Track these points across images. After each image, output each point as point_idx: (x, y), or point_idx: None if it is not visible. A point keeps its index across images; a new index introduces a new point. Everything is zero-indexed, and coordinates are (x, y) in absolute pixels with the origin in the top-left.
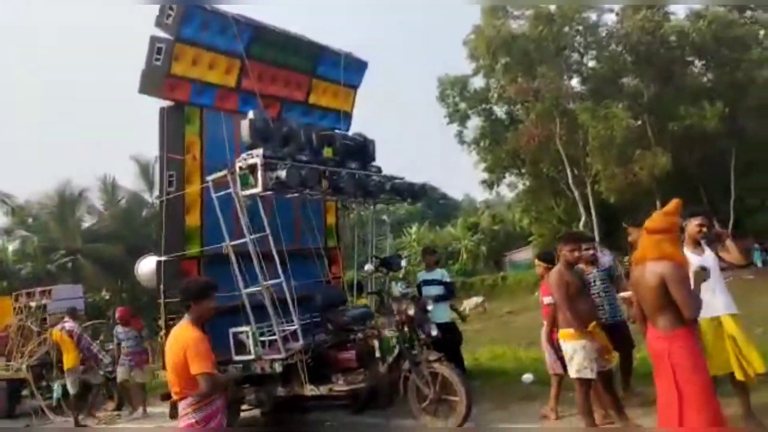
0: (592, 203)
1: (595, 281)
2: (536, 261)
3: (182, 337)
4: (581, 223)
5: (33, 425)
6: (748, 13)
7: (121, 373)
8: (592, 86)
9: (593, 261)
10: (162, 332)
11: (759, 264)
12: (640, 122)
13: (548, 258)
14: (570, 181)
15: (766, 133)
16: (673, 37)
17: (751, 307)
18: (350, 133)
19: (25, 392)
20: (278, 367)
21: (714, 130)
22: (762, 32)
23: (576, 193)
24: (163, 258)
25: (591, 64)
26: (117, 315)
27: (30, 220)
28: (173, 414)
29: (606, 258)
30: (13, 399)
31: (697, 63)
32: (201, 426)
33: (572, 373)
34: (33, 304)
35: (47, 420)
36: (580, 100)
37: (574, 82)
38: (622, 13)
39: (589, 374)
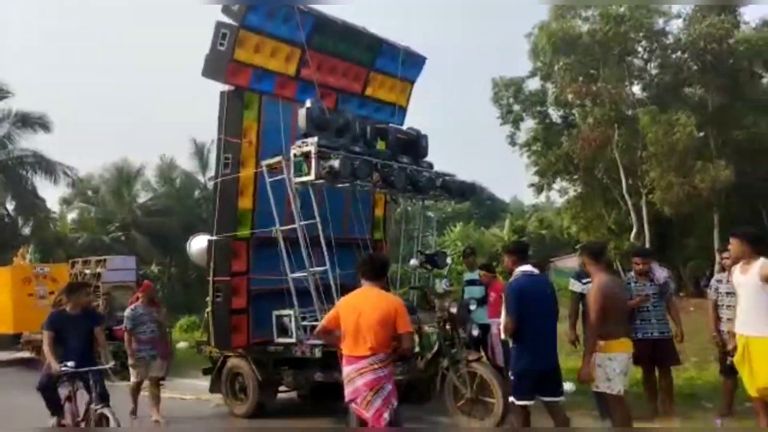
0: (645, 214)
1: (644, 293)
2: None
3: (391, 300)
4: (632, 234)
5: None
6: None
7: (139, 369)
8: (654, 93)
9: (646, 274)
10: (209, 309)
11: None
12: (702, 133)
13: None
14: (624, 189)
15: None
16: (741, 47)
17: None
18: (404, 127)
19: None
20: (318, 352)
21: None
22: None
23: (629, 203)
24: (214, 237)
25: (654, 71)
26: (140, 290)
27: (89, 192)
28: (214, 388)
29: (661, 273)
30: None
31: (766, 75)
32: (388, 379)
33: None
34: (88, 271)
35: None
36: (640, 106)
37: (636, 88)
38: (690, 19)
39: (608, 390)
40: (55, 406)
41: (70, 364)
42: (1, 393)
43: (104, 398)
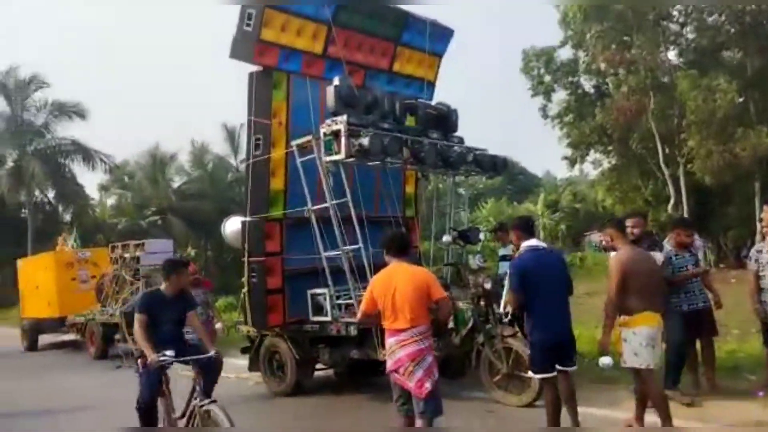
0: (683, 184)
1: (687, 266)
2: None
3: (421, 272)
4: (670, 206)
5: (123, 366)
6: None
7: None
8: (692, 58)
9: (688, 245)
10: (245, 289)
11: None
12: (742, 98)
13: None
14: (661, 159)
15: None
16: None
17: None
18: (433, 102)
19: (117, 336)
20: (353, 330)
21: None
22: None
23: (666, 173)
24: (248, 219)
25: (690, 35)
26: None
27: (126, 178)
28: (252, 367)
29: (699, 243)
30: (107, 342)
31: None
32: (429, 351)
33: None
34: (127, 255)
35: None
36: (676, 72)
37: (671, 54)
38: None
39: (635, 364)
40: (151, 424)
41: (170, 353)
42: (50, 374)
43: (209, 393)
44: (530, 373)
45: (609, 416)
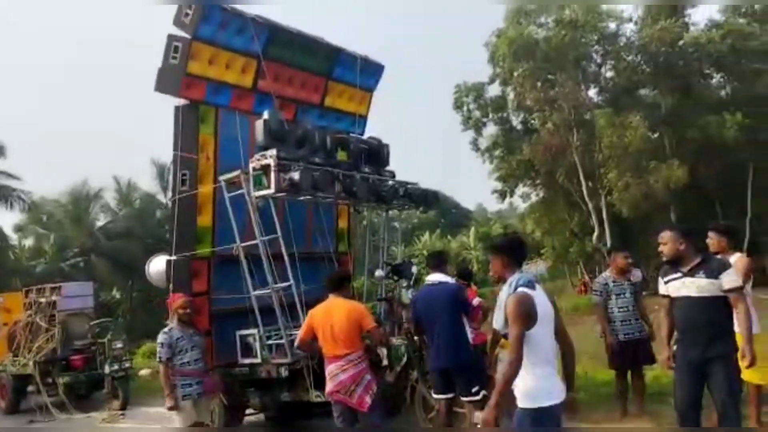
0: (605, 216)
1: (625, 293)
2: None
3: (353, 304)
4: (594, 236)
5: (37, 421)
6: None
7: (185, 412)
8: (610, 97)
9: (625, 273)
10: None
11: None
12: (657, 134)
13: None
14: (584, 192)
15: None
16: (691, 48)
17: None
18: (365, 136)
19: (30, 388)
20: (284, 372)
21: (733, 141)
22: None
23: (590, 205)
24: (173, 257)
25: (609, 74)
26: (176, 305)
27: (44, 217)
28: None
29: (637, 272)
30: (18, 394)
31: (716, 75)
32: (367, 371)
33: None
34: (43, 300)
35: (51, 417)
36: (597, 110)
37: (592, 92)
38: (641, 22)
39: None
40: None
41: None
42: None
43: None
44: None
45: None
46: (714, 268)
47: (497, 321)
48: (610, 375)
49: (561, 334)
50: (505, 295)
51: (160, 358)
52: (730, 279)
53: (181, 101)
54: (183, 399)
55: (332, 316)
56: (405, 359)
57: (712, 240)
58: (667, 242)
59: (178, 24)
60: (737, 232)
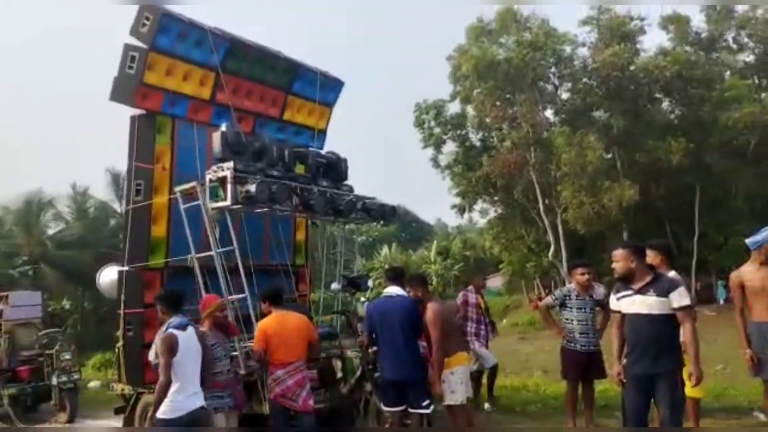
0: (561, 232)
1: (586, 308)
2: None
3: (300, 317)
4: (550, 253)
5: None
6: (713, 54)
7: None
8: (566, 117)
9: (587, 288)
10: (120, 344)
11: (721, 301)
12: (610, 155)
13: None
14: (541, 209)
15: (730, 171)
16: (641, 73)
17: (710, 345)
18: (324, 151)
19: None
20: None
21: (679, 165)
22: (726, 73)
23: (546, 222)
24: (125, 268)
25: (565, 96)
26: (213, 307)
27: None
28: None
29: (600, 289)
30: None
31: (665, 100)
32: (308, 377)
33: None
34: None
35: None
36: (554, 129)
37: (549, 112)
38: (594, 47)
39: (452, 401)
40: None
41: None
42: None
43: None
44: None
45: None
46: (664, 287)
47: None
48: (561, 388)
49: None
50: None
51: None
52: (679, 298)
53: (138, 111)
54: (215, 412)
55: (287, 326)
56: (359, 371)
57: (650, 257)
58: (619, 260)
59: (135, 34)
60: (672, 250)
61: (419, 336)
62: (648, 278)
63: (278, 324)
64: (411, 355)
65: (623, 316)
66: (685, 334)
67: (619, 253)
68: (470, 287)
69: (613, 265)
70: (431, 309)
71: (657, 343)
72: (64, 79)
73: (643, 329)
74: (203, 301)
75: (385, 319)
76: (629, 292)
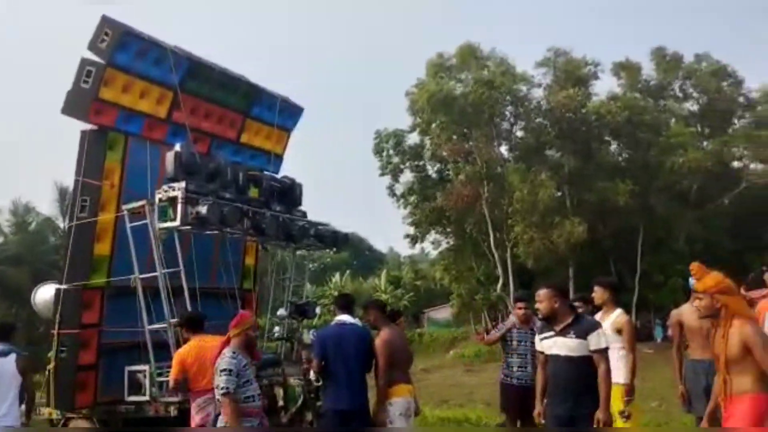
0: (510, 266)
1: (526, 341)
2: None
3: (219, 342)
4: (499, 286)
5: None
6: (661, 101)
7: None
8: (520, 154)
9: (528, 321)
10: (51, 366)
11: (659, 339)
12: (560, 192)
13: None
14: (492, 243)
15: (672, 214)
16: (593, 116)
17: (646, 382)
18: (279, 175)
19: None
20: (174, 411)
21: (625, 206)
22: (672, 120)
23: (496, 256)
24: (63, 286)
25: (519, 133)
26: (246, 325)
27: None
28: None
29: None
30: None
31: (614, 142)
32: None
33: None
34: None
35: None
36: (508, 165)
37: (503, 149)
38: (549, 89)
39: None
40: None
41: None
42: None
43: None
44: None
45: None
46: (583, 329)
47: None
48: (503, 420)
49: None
50: None
51: (226, 389)
52: (597, 340)
53: (89, 126)
54: None
55: (206, 353)
56: (301, 400)
57: (596, 293)
58: (543, 300)
59: (93, 49)
60: (619, 287)
61: (370, 368)
62: (569, 319)
63: (198, 351)
64: (362, 385)
65: (546, 357)
66: (600, 375)
67: (543, 293)
68: None
69: (537, 305)
70: (381, 336)
71: (577, 384)
72: (11, 89)
73: (564, 371)
74: (237, 317)
75: (340, 347)
76: (551, 333)
